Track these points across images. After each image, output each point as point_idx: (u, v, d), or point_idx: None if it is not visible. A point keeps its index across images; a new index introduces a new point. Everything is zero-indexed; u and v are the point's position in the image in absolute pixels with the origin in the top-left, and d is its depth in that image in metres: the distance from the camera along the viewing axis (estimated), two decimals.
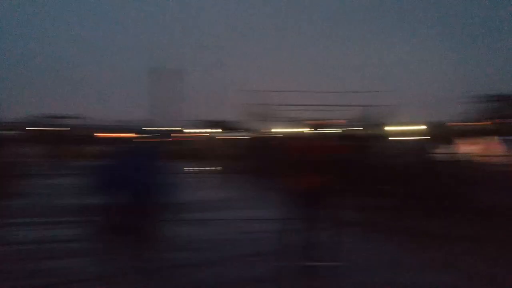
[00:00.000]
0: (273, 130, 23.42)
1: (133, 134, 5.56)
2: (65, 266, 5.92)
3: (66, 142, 22.76)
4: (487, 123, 22.50)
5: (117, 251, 5.51)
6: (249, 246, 7.19)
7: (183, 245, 6.93)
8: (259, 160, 17.53)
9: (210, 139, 29.38)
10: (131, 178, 5.82)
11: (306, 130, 6.60)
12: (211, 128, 32.03)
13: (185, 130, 32.29)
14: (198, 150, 25.85)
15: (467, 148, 13.66)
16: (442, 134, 16.12)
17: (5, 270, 3.80)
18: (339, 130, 11.97)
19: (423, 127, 17.14)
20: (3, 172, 3.36)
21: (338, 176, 5.98)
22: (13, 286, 5.12)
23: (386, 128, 16.00)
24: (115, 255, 5.46)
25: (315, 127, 6.34)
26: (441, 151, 11.60)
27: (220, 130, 31.28)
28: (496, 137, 15.31)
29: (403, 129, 16.18)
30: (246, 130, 26.66)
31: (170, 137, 27.74)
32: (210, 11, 79.47)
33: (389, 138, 14.44)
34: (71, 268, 5.85)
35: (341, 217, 6.11)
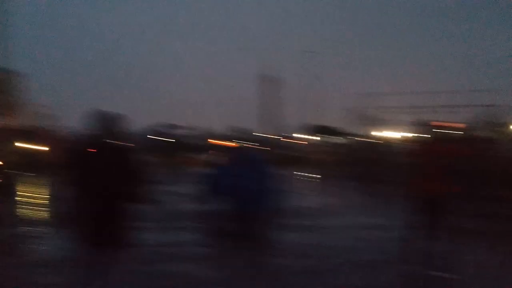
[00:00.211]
0: (379, 134, 22.72)
1: (241, 142, 5.64)
2: (184, 270, 6.15)
3: (180, 150, 23.96)
4: None
5: (231, 256, 5.61)
6: (364, 254, 6.98)
7: (295, 252, 6.89)
8: (365, 166, 17.07)
9: (314, 144, 29.26)
10: (240, 184, 5.91)
11: (419, 133, 6.29)
12: (314, 134, 31.86)
13: (289, 136, 32.46)
14: (302, 156, 25.83)
15: None
16: None
17: (131, 271, 4.07)
18: (458, 133, 11.22)
19: None
20: (134, 178, 3.59)
21: (459, 182, 5.62)
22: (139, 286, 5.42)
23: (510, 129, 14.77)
24: (229, 260, 5.58)
25: (432, 129, 6.01)
26: None
27: (323, 135, 31.02)
28: None
29: None
30: (350, 134, 26.15)
31: (277, 143, 28.07)
32: (312, 16, 79.52)
33: None
34: (189, 272, 6.06)
35: (462, 225, 5.70)
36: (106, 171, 3.56)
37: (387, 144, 19.14)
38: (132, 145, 3.89)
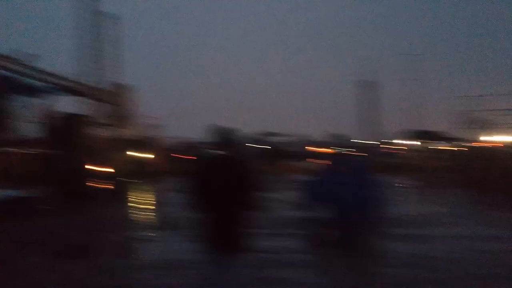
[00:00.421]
0: (488, 138, 21.25)
1: (340, 148, 5.60)
2: (290, 276, 6.21)
3: (279, 157, 24.31)
4: None
5: (334, 264, 5.59)
6: (476, 266, 6.56)
7: (400, 262, 6.67)
8: (472, 172, 16.07)
9: (415, 150, 28.11)
10: (342, 192, 5.86)
11: None
12: (415, 139, 30.59)
13: (389, 142, 31.51)
14: (403, 163, 24.95)
15: None
16: None
17: (242, 275, 4.22)
18: None
19: None
20: (249, 186, 3.76)
21: None
22: None
23: None
24: (333, 268, 5.55)
25: None
26: None
27: (425, 141, 29.68)
28: None
29: None
30: (455, 139, 24.77)
31: (376, 150, 27.42)
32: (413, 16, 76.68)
33: None
34: (294, 279, 6.13)
35: None
36: (224, 180, 3.76)
37: (498, 148, 17.86)
38: (245, 156, 4.12)
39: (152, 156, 24.78)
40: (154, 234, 9.11)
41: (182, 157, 29.58)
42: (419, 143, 29.95)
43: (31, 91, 14.26)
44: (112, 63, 20.27)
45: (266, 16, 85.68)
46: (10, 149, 12.52)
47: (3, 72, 13.04)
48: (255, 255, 4.05)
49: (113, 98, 19.15)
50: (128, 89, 20.41)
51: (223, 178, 3.77)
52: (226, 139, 3.92)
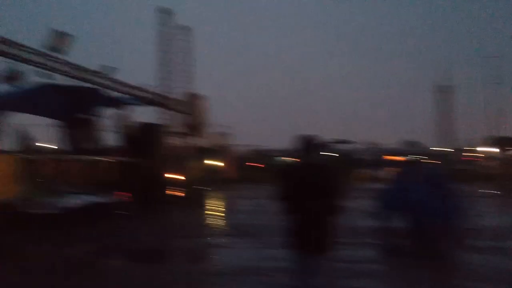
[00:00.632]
0: None
1: (416, 156, 5.53)
2: (363, 286, 6.15)
3: (352, 165, 24.01)
4: None
5: (410, 276, 5.50)
6: None
7: (480, 275, 6.36)
8: None
9: (496, 158, 26.69)
10: (419, 201, 5.76)
11: None
12: (496, 146, 29.02)
13: (467, 149, 30.12)
14: (483, 171, 23.79)
15: None
16: None
17: (314, 285, 4.24)
18: None
19: None
20: (334, 193, 3.79)
21: None
22: None
23: None
24: (408, 279, 5.47)
25: None
26: None
27: (507, 148, 28.09)
28: None
29: None
30: None
31: (454, 157, 26.36)
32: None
33: None
34: None
35: None
36: (312, 187, 3.87)
37: None
38: (329, 163, 4.21)
39: (222, 164, 25.32)
40: (230, 241, 9.30)
41: (253, 165, 29.97)
42: (498, 150, 28.42)
43: (114, 103, 15.18)
44: (185, 74, 21.03)
45: (339, 22, 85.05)
46: (95, 158, 13.33)
47: (92, 86, 13.96)
48: (332, 263, 4.09)
49: (187, 107, 19.86)
50: (201, 99, 21.07)
51: (311, 184, 3.88)
52: (310, 146, 4.02)
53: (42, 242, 8.46)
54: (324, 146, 4.41)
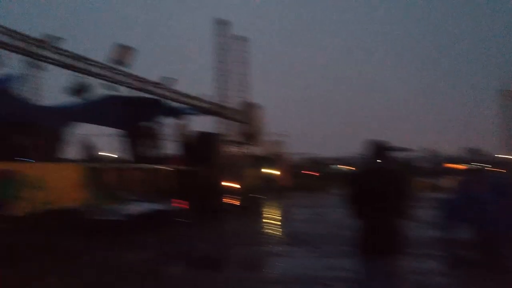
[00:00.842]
0: None
1: (480, 165, 5.34)
2: None
3: (412, 173, 23.38)
4: None
5: None
6: None
7: None
8: None
9: None
10: (485, 211, 5.56)
11: None
12: None
13: None
14: None
15: None
16: None
17: None
18: None
19: None
20: (404, 197, 3.73)
21: None
22: None
23: None
24: None
25: None
26: None
27: None
28: None
29: None
30: None
31: None
32: None
33: None
34: None
35: None
36: (382, 191, 3.85)
37: None
38: (399, 167, 4.20)
39: (278, 172, 25.36)
40: (287, 249, 9.30)
41: (308, 173, 29.84)
42: None
43: (173, 112, 15.62)
44: (242, 83, 21.31)
45: (400, 30, 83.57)
46: (155, 166, 13.76)
47: (153, 96, 14.46)
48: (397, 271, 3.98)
49: (243, 116, 20.10)
50: (257, 108, 21.26)
51: (382, 187, 3.86)
52: (381, 151, 4.00)
53: (107, 247, 8.81)
54: (394, 151, 4.35)
